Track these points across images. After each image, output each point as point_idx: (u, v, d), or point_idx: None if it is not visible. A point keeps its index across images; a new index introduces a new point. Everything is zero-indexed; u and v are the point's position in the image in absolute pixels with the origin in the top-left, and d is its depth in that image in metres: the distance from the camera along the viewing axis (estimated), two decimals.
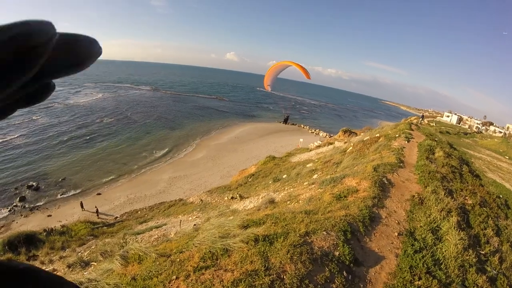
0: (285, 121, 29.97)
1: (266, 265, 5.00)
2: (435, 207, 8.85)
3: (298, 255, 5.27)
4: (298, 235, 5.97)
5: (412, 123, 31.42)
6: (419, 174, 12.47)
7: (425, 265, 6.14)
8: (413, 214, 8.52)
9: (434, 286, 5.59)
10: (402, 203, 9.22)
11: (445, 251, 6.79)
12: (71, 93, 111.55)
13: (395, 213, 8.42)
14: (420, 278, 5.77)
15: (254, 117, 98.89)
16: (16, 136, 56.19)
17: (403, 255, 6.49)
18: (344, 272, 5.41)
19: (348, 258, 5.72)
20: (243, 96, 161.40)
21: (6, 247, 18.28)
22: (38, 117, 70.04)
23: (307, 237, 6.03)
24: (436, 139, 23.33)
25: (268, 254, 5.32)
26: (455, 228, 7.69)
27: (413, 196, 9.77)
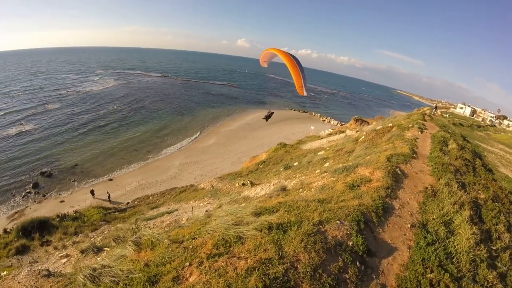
0: (267, 118, 26.34)
1: (280, 253, 4.97)
2: (448, 200, 8.72)
3: (312, 244, 5.23)
4: (311, 223, 5.93)
5: (425, 113, 30.86)
6: (432, 165, 12.31)
7: (437, 258, 6.07)
8: (426, 206, 8.43)
9: (446, 279, 5.51)
10: (415, 194, 9.13)
11: (457, 245, 6.68)
12: (83, 81, 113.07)
13: (408, 205, 8.35)
14: (432, 271, 5.69)
15: (265, 104, 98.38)
16: (29, 124, 57.57)
17: (416, 247, 6.43)
18: (357, 263, 5.38)
19: (361, 249, 5.68)
20: (254, 83, 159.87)
21: (20, 233, 18.64)
22: (52, 106, 71.27)
23: (320, 226, 5.99)
24: (450, 131, 23.00)
25: (282, 243, 5.29)
26: (468, 222, 7.57)
27: (426, 188, 9.66)
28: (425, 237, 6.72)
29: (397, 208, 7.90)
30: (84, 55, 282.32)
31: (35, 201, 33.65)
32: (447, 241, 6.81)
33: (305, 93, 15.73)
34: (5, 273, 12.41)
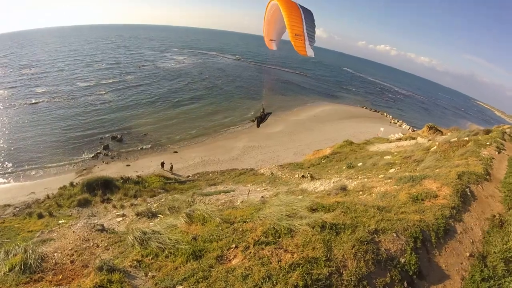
0: (258, 121, 15.57)
1: (328, 255, 4.81)
2: None
3: (362, 252, 5.00)
4: (366, 230, 5.66)
5: (505, 132, 28.03)
6: (504, 192, 11.19)
7: None
8: (490, 237, 7.64)
9: None
10: (481, 221, 8.35)
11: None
12: (161, 57, 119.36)
13: (471, 231, 7.67)
14: None
15: (336, 98, 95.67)
16: (108, 93, 62.79)
17: (470, 280, 5.88)
18: (405, 283, 5.05)
19: (412, 269, 5.33)
20: (327, 75, 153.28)
21: (85, 188, 20.38)
22: (130, 77, 76.77)
23: (375, 235, 5.69)
24: None
25: (332, 244, 5.12)
26: None
27: (494, 216, 8.77)
28: (481, 271, 6.10)
29: (459, 232, 7.31)
30: (163, 33, 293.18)
31: (103, 162, 36.61)
32: (503, 280, 6.17)
33: (308, 52, 10.07)
34: (63, 221, 13.52)
